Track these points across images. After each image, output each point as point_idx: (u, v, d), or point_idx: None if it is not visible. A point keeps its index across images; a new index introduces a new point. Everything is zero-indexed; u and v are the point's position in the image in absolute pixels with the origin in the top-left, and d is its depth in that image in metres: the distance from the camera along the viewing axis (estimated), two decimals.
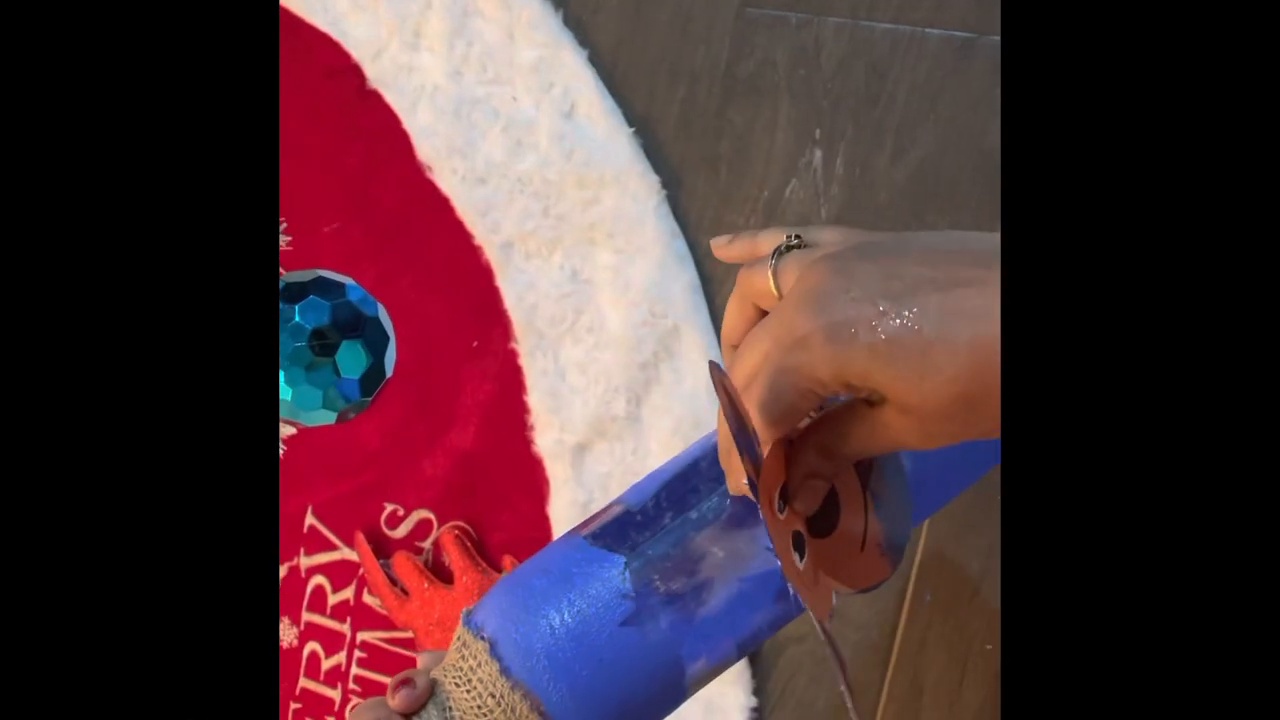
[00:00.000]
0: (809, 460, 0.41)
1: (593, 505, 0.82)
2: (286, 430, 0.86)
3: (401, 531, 0.85)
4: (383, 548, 0.86)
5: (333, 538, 0.86)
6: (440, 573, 0.84)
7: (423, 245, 0.84)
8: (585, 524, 0.47)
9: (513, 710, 0.43)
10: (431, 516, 0.85)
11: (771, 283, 0.41)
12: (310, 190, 0.85)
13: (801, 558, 0.40)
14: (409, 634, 0.84)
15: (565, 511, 0.83)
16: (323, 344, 0.84)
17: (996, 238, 0.36)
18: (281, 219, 0.84)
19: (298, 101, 0.84)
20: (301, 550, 0.87)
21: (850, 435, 0.39)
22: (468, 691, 0.43)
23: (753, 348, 0.39)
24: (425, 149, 0.83)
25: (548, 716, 0.43)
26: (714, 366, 0.38)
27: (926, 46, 0.76)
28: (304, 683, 0.87)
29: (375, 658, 0.86)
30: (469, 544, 0.84)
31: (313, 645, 0.87)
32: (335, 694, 0.87)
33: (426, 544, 0.85)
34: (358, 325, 0.84)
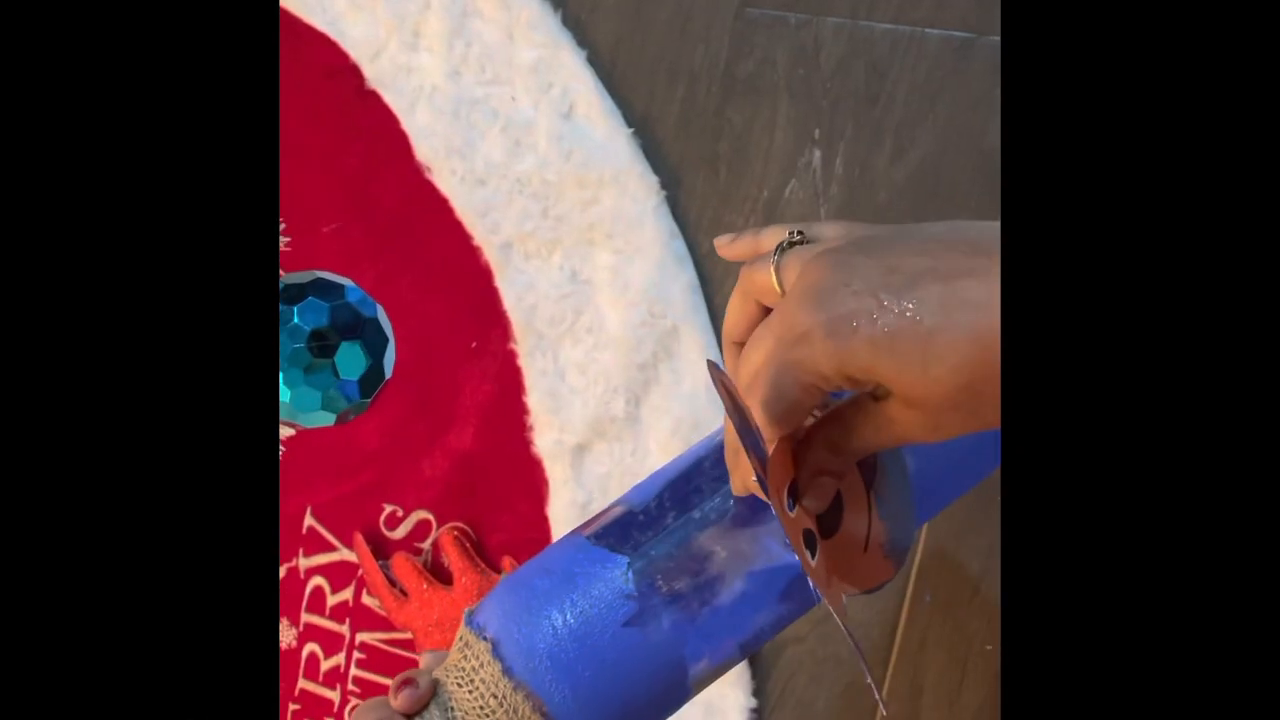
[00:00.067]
0: (817, 457, 0.40)
1: (592, 506, 0.82)
2: (285, 431, 0.86)
3: (400, 532, 0.85)
4: (382, 549, 0.85)
5: (332, 539, 0.86)
6: (439, 574, 0.84)
7: (422, 246, 0.83)
8: (587, 524, 0.47)
9: (515, 711, 0.43)
10: (430, 517, 0.85)
11: (774, 279, 0.41)
12: (309, 191, 0.85)
13: (814, 555, 0.40)
14: (408, 635, 0.84)
15: (564, 512, 0.82)
16: (321, 345, 0.84)
17: (997, 226, 0.36)
18: (280, 219, 0.84)
19: (296, 102, 0.84)
20: (300, 551, 0.86)
21: (856, 430, 0.39)
22: (470, 692, 0.43)
23: (756, 346, 0.39)
24: (424, 149, 0.83)
25: (550, 717, 0.43)
26: (713, 366, 0.38)
27: (926, 46, 0.76)
28: (303, 684, 0.87)
29: (374, 659, 0.86)
30: (468, 545, 0.83)
31: (312, 646, 0.87)
32: (334, 695, 0.86)
33: (425, 545, 0.85)
34: (357, 326, 0.84)
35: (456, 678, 0.44)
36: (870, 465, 0.44)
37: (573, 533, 0.47)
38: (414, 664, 0.86)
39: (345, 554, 0.86)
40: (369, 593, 0.85)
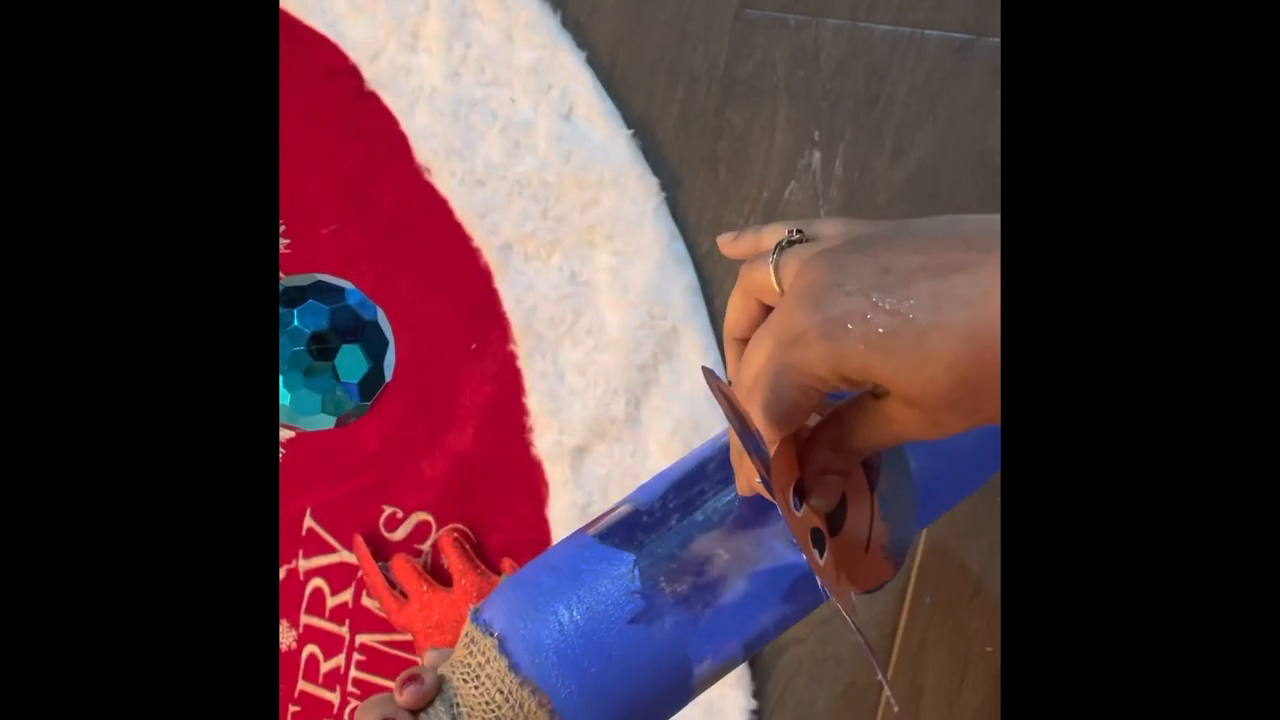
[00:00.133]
0: (821, 456, 0.41)
1: (592, 507, 0.82)
2: (285, 434, 0.86)
3: (400, 534, 0.85)
4: (381, 550, 0.85)
5: (331, 540, 0.86)
6: (439, 575, 0.84)
7: (421, 247, 0.83)
8: (592, 523, 0.47)
9: (521, 706, 0.43)
10: (430, 519, 0.85)
11: (773, 278, 0.41)
12: (308, 192, 0.85)
13: (822, 554, 0.40)
14: (408, 637, 0.84)
15: (564, 513, 0.82)
16: (321, 348, 0.84)
17: (991, 219, 0.36)
18: (280, 221, 0.84)
19: (296, 102, 0.84)
20: (300, 553, 0.86)
21: (858, 429, 0.39)
22: (476, 688, 0.43)
23: (756, 348, 0.39)
24: (424, 150, 0.83)
25: (556, 713, 0.43)
26: (709, 372, 0.39)
27: (925, 48, 0.76)
28: (303, 685, 0.87)
29: (374, 660, 0.86)
30: (468, 546, 0.83)
31: (311, 648, 0.87)
32: (334, 697, 0.86)
33: (425, 546, 0.85)
34: (357, 329, 0.84)
35: (462, 674, 0.44)
36: (874, 465, 0.44)
37: (578, 532, 0.47)
38: (414, 665, 0.86)
39: (345, 556, 0.86)
40: (369, 594, 0.85)
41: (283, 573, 0.86)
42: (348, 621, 0.86)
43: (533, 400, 0.82)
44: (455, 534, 0.84)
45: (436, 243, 0.83)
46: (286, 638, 0.87)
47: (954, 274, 0.35)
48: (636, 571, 0.44)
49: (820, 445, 0.41)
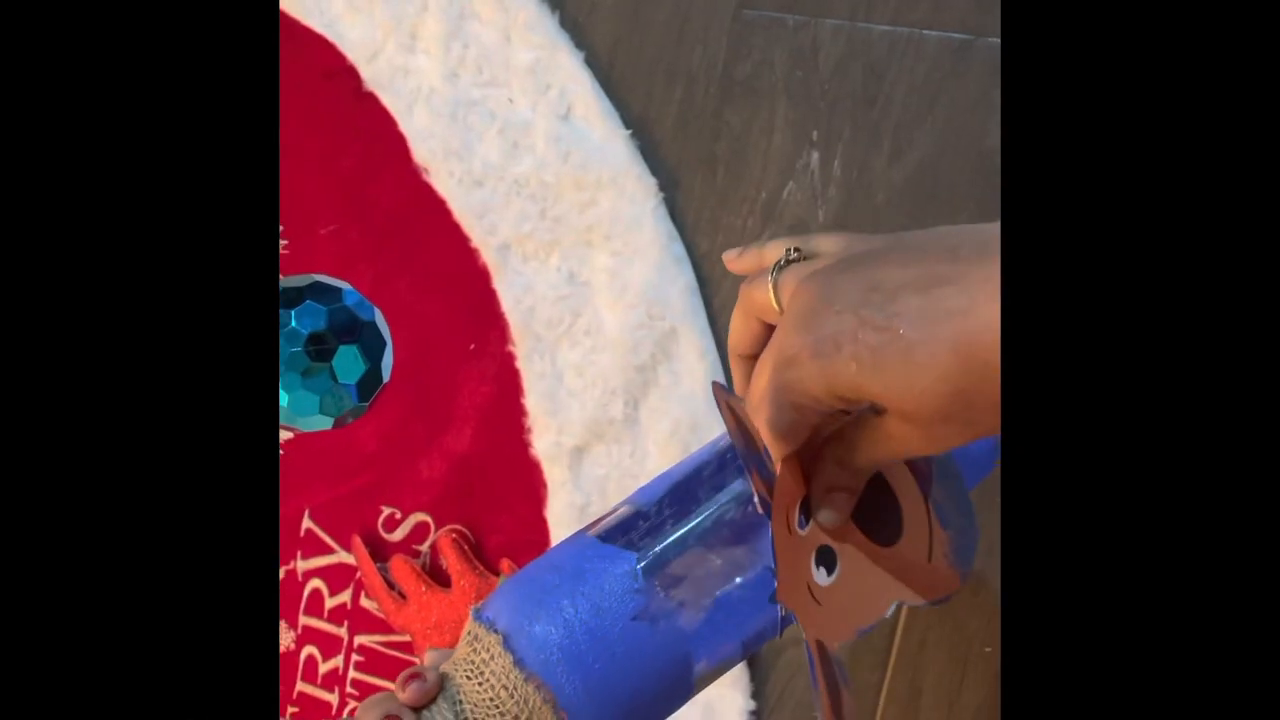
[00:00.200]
0: (828, 472, 0.41)
1: (590, 508, 0.82)
2: (283, 435, 0.86)
3: (399, 535, 0.85)
4: (380, 551, 0.85)
5: (330, 541, 0.86)
6: (438, 576, 0.84)
7: (420, 247, 0.83)
8: (593, 524, 0.47)
9: (526, 702, 0.43)
10: (429, 519, 0.85)
11: (771, 297, 0.42)
12: (307, 192, 0.84)
13: (830, 572, 0.40)
14: (407, 638, 0.84)
15: (563, 514, 0.82)
16: (319, 349, 0.84)
17: (979, 228, 0.36)
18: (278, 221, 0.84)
19: (294, 103, 0.84)
20: (298, 554, 0.86)
21: (859, 446, 0.40)
22: (480, 685, 0.43)
23: (761, 368, 0.40)
24: (422, 151, 0.83)
25: (561, 709, 0.43)
26: (718, 386, 0.39)
27: (924, 48, 0.76)
28: (301, 686, 0.87)
29: (373, 661, 0.86)
30: (466, 547, 0.83)
31: (310, 649, 0.86)
32: (333, 698, 0.86)
33: (424, 547, 0.85)
34: (354, 330, 0.84)
35: (465, 671, 0.44)
36: (925, 475, 0.44)
37: (579, 533, 0.47)
38: (413, 666, 0.86)
39: (343, 556, 0.86)
40: (367, 595, 0.85)
41: (281, 573, 0.86)
42: (346, 622, 0.86)
43: (531, 401, 0.82)
44: (454, 535, 0.83)
45: (435, 243, 0.83)
46: (285, 639, 0.87)
47: (940, 287, 0.35)
48: (639, 569, 0.44)
49: (827, 461, 0.41)
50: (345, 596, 0.86)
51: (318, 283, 0.84)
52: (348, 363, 0.84)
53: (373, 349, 0.84)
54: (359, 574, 0.85)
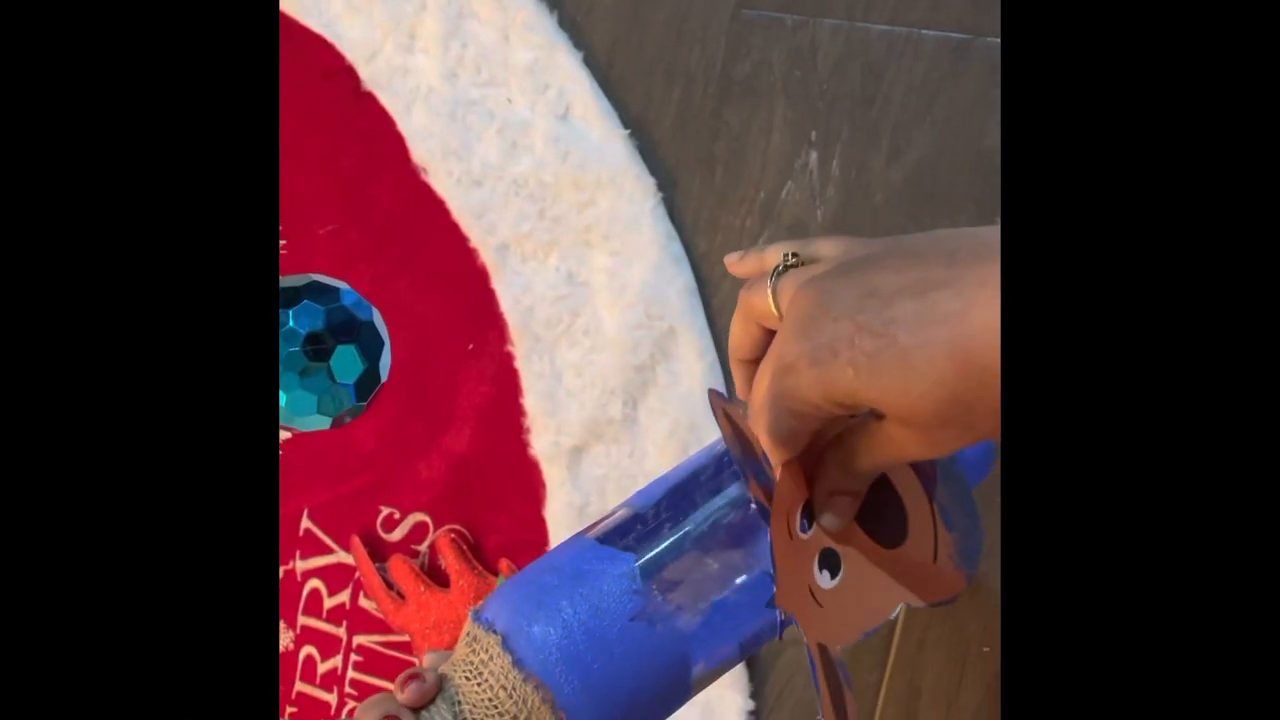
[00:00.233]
0: (831, 476, 0.41)
1: (589, 508, 0.82)
2: (281, 435, 0.86)
3: (397, 535, 0.85)
4: (379, 551, 0.85)
5: (328, 541, 0.86)
6: (437, 576, 0.84)
7: (419, 247, 0.83)
8: (591, 527, 0.48)
9: (525, 702, 0.43)
10: (428, 519, 0.85)
11: (771, 303, 0.42)
12: (305, 192, 0.84)
13: (834, 575, 0.40)
14: (405, 638, 0.84)
15: (562, 514, 0.82)
16: (317, 349, 0.84)
17: (976, 232, 0.36)
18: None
19: (293, 103, 0.84)
20: (297, 554, 0.86)
21: (860, 451, 0.40)
22: (479, 685, 0.43)
23: (761, 375, 0.40)
24: (420, 151, 0.83)
25: (559, 709, 0.43)
26: (714, 394, 0.40)
27: (923, 48, 0.76)
28: (300, 686, 0.87)
29: (372, 662, 0.86)
30: (465, 547, 0.83)
31: (309, 649, 0.86)
32: (331, 698, 0.86)
33: (423, 547, 0.85)
34: (352, 330, 0.84)
35: (465, 672, 0.44)
36: (930, 476, 0.44)
37: (577, 535, 0.48)
38: (412, 666, 0.86)
39: (342, 556, 0.86)
40: (366, 595, 0.85)
41: (280, 573, 0.86)
42: (345, 622, 0.86)
43: (530, 401, 0.82)
44: (452, 535, 0.83)
45: (433, 243, 0.83)
46: (284, 639, 0.87)
47: (935, 291, 0.35)
48: (637, 571, 0.45)
49: (830, 466, 0.41)
50: (344, 596, 0.86)
51: (315, 282, 0.84)
52: (345, 362, 0.84)
53: (370, 349, 0.84)
54: (358, 574, 0.85)
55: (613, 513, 0.48)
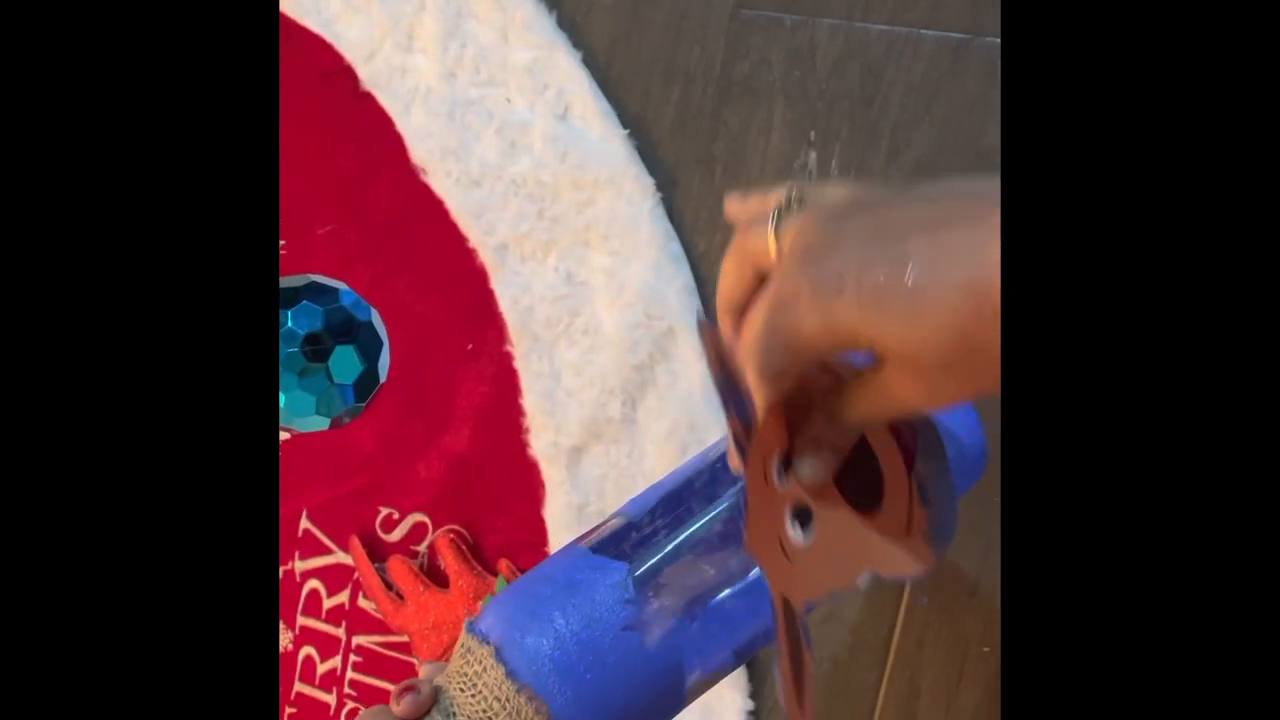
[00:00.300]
0: (816, 425, 0.39)
1: (588, 508, 0.82)
2: (280, 435, 0.86)
3: (397, 535, 0.85)
4: (378, 551, 0.85)
5: (328, 542, 0.86)
6: (436, 576, 0.84)
7: (418, 248, 0.83)
8: (585, 536, 0.48)
9: (518, 714, 0.43)
10: (427, 520, 0.85)
11: (771, 243, 0.39)
12: (304, 193, 0.84)
13: (805, 531, 0.39)
14: (404, 638, 0.84)
15: (561, 514, 0.82)
16: (316, 349, 0.84)
17: (990, 181, 0.34)
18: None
19: (292, 103, 0.84)
20: (296, 554, 0.86)
21: (853, 401, 0.37)
22: (473, 696, 0.44)
23: (756, 311, 0.38)
24: (419, 151, 0.83)
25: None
26: (703, 322, 0.38)
27: (922, 48, 0.76)
28: (299, 687, 0.87)
29: (371, 662, 0.86)
30: (464, 548, 0.83)
31: (308, 649, 0.87)
32: (330, 699, 0.86)
33: (422, 547, 0.85)
34: (351, 330, 0.84)
35: (459, 683, 0.44)
36: (909, 449, 0.43)
37: (571, 544, 0.48)
38: (410, 667, 0.86)
39: (341, 557, 0.86)
40: (365, 596, 0.85)
41: (279, 574, 0.86)
42: (344, 623, 0.86)
43: (529, 401, 0.82)
44: (451, 535, 0.83)
45: (432, 243, 0.83)
46: (283, 639, 0.87)
47: (951, 227, 0.33)
48: (630, 581, 0.45)
49: (816, 415, 0.39)
50: (343, 597, 0.86)
51: (314, 283, 0.84)
52: (344, 363, 0.84)
53: (369, 349, 0.84)
54: (357, 574, 0.85)
55: (607, 521, 0.48)
